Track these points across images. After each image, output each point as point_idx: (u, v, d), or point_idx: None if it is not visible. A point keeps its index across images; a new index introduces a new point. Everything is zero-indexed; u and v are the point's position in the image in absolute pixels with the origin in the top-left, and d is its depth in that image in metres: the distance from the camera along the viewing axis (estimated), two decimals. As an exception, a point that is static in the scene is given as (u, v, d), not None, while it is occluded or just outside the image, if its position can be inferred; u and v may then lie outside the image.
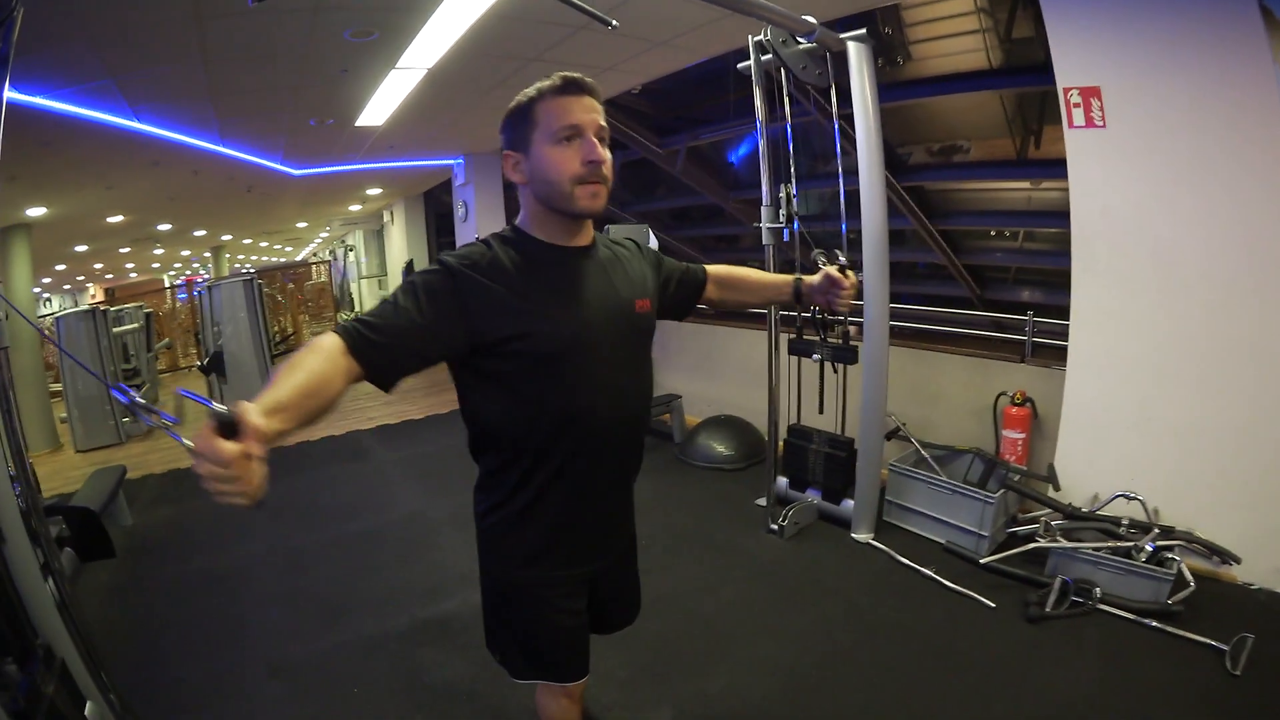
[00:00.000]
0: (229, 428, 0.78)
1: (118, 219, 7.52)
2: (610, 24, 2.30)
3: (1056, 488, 2.71)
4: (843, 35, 2.71)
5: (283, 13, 3.00)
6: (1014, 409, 2.97)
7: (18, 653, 1.78)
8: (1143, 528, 2.42)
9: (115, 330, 7.07)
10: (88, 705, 1.95)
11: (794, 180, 3.00)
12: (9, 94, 2.77)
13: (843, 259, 1.57)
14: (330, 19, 3.22)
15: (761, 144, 2.95)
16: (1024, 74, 3.15)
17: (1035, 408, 2.98)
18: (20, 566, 1.85)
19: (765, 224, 2.99)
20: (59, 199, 5.92)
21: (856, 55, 2.69)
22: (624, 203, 7.61)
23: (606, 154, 1.13)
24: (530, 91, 1.15)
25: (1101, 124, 2.47)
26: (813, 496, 3.20)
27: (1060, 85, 2.53)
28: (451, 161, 7.39)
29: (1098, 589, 2.29)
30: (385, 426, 5.87)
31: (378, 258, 12.80)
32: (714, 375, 4.83)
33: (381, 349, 1.03)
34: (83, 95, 3.44)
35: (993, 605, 2.38)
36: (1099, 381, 2.66)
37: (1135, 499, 2.50)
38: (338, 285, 14.92)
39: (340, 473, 4.73)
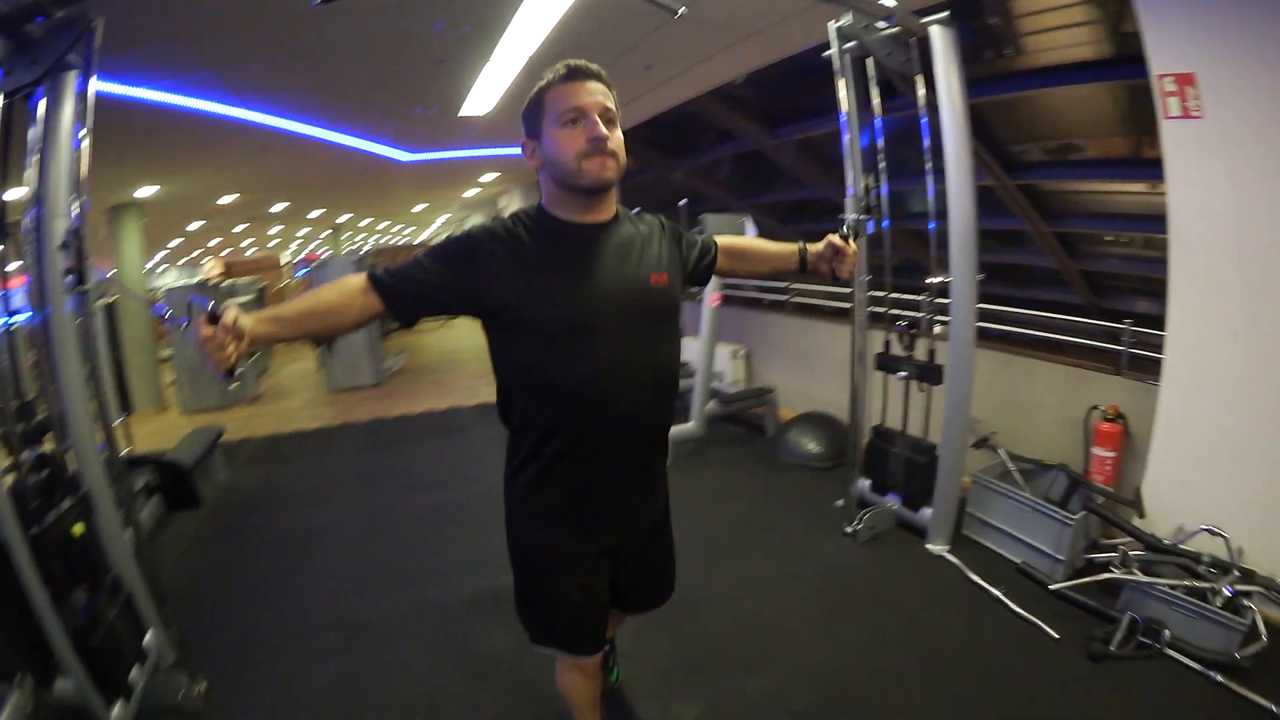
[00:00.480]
0: (214, 318, 1.03)
1: (231, 199, 8.18)
2: (677, 13, 2.32)
3: (1141, 514, 2.49)
4: (924, 19, 2.58)
5: (369, 11, 3.19)
6: (1105, 425, 2.76)
7: (89, 581, 2.02)
8: (1223, 568, 2.19)
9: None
10: (148, 633, 2.19)
11: (882, 173, 2.93)
12: (109, 87, 3.10)
13: (846, 225, 1.56)
14: (420, 14, 3.40)
15: (846, 136, 2.89)
16: (1133, 66, 2.94)
17: (1128, 424, 2.75)
18: (100, 508, 2.09)
19: (848, 216, 2.92)
20: (169, 180, 6.46)
21: (940, 40, 2.56)
22: (741, 194, 7.62)
23: (610, 132, 1.20)
24: (540, 82, 1.23)
25: (1199, 114, 2.22)
26: (893, 502, 3.10)
27: (1153, 72, 2.29)
28: None
29: (1167, 631, 2.09)
30: (488, 405, 6.08)
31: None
32: (812, 371, 4.75)
33: (395, 288, 1.21)
34: (185, 86, 3.75)
35: (1056, 636, 2.22)
36: (1193, 400, 2.41)
37: (1219, 535, 2.25)
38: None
39: (436, 446, 4.97)
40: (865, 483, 3.25)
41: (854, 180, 2.87)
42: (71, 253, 1.94)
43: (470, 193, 11.47)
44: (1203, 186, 2.30)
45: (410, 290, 1.22)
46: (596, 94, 1.20)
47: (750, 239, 1.63)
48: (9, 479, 1.88)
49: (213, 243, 14.15)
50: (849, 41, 2.76)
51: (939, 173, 2.73)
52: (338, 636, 2.54)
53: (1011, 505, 2.71)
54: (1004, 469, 2.92)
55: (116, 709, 1.94)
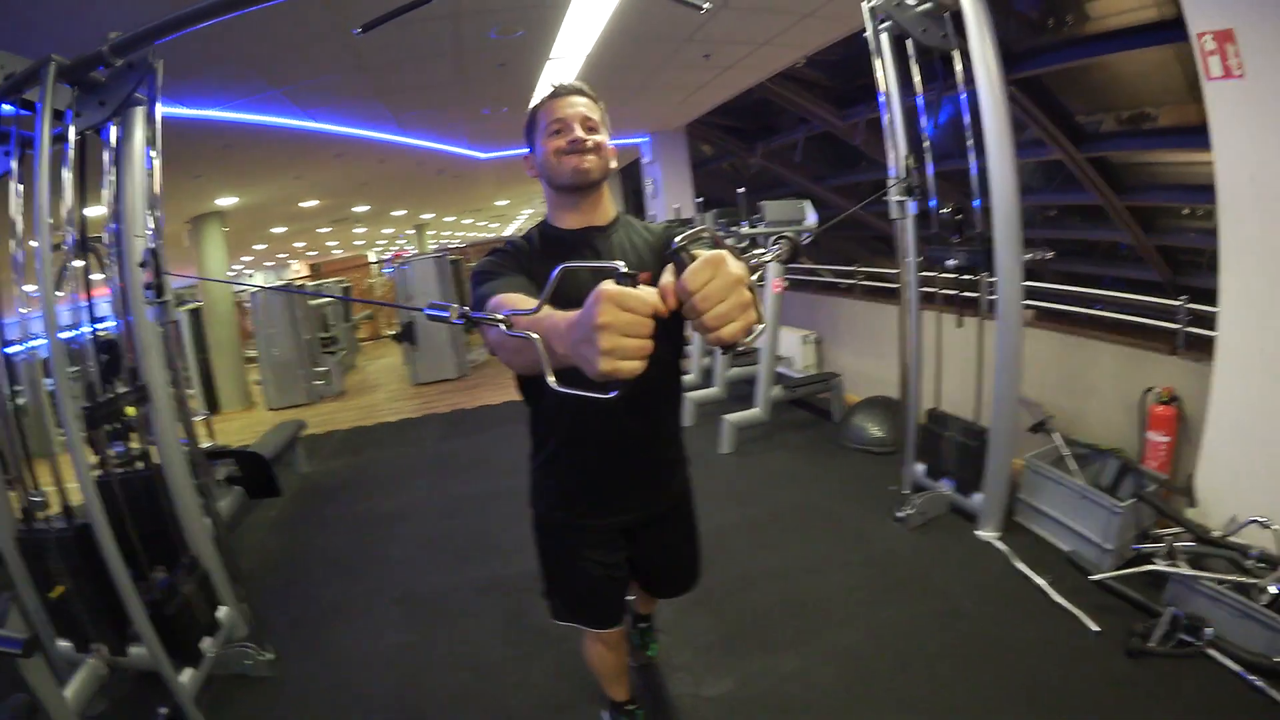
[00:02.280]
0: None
1: (312, 203, 8.74)
2: (702, 8, 2.38)
3: (1192, 503, 2.34)
4: None
5: (425, 20, 3.37)
6: (1159, 408, 2.59)
7: (167, 560, 2.26)
8: (1272, 563, 2.02)
9: (313, 302, 8.28)
10: (222, 608, 2.44)
11: (927, 153, 2.88)
12: (182, 110, 3.40)
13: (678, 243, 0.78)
14: (474, 22, 3.57)
15: (886, 116, 2.84)
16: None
17: (1183, 407, 2.58)
18: (180, 496, 2.34)
19: (892, 198, 2.89)
20: (248, 190, 6.96)
21: (974, 12, 2.47)
22: (817, 176, 7.55)
23: (589, 135, 1.33)
24: (533, 102, 1.38)
25: (1239, 74, 2.06)
26: (946, 487, 3.06)
27: (1192, 30, 2.14)
28: (639, 140, 7.81)
29: (1209, 629, 1.96)
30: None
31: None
32: (880, 355, 4.65)
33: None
34: (254, 104, 4.08)
35: (1096, 629, 2.14)
36: (1248, 381, 2.24)
37: (1269, 527, 2.08)
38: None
39: (514, 432, 5.16)
40: (920, 467, 3.20)
41: (896, 161, 2.83)
42: (150, 268, 2.18)
43: (551, 187, 11.80)
44: (1250, 150, 2.14)
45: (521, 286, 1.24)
46: (579, 106, 1.34)
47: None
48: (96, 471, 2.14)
49: (298, 244, 15.08)
50: (885, 21, 2.73)
51: (980, 149, 2.65)
52: (401, 611, 2.76)
53: (1061, 491, 2.61)
54: (1059, 454, 2.82)
55: (187, 675, 2.18)
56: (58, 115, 2.01)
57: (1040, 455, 2.84)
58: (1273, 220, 2.13)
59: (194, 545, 2.41)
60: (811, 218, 4.15)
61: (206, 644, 2.33)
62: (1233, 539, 2.16)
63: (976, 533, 2.82)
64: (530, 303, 0.87)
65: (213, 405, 7.36)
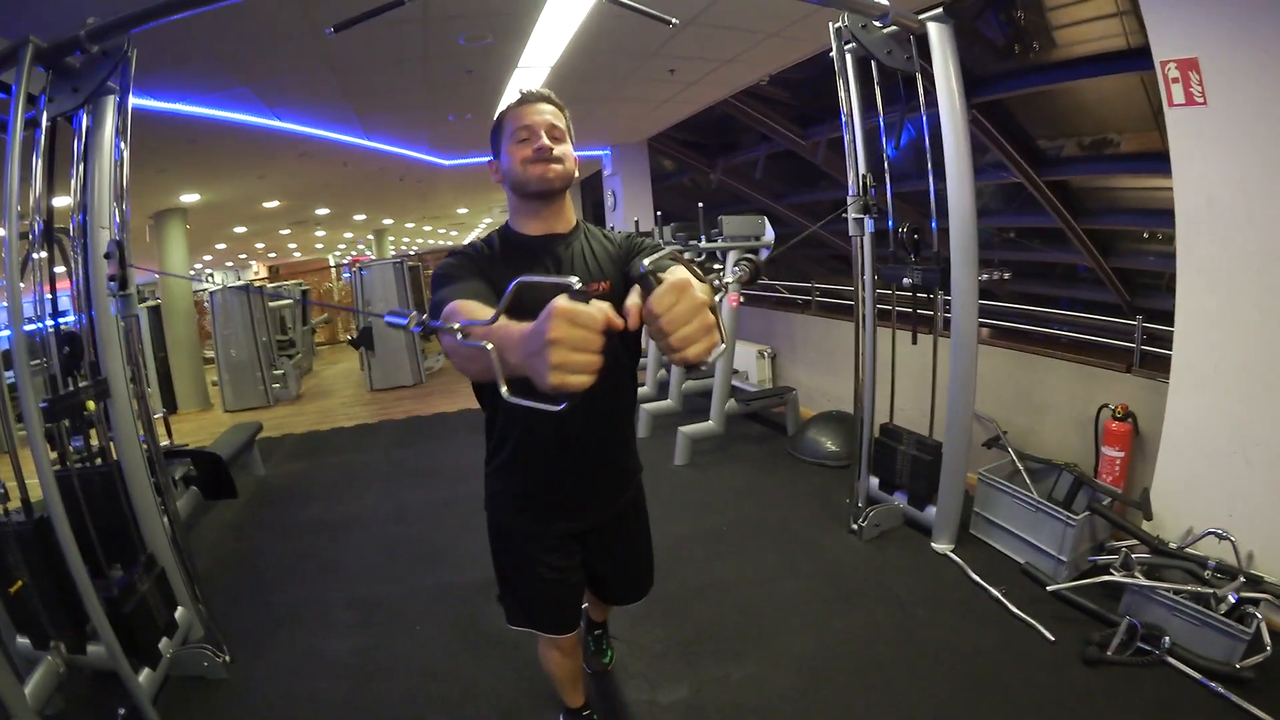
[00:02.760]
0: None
1: (274, 204, 8.65)
2: (670, 23, 2.45)
3: (1148, 516, 2.47)
4: (921, 15, 2.63)
5: (396, 23, 3.40)
6: (1115, 424, 2.75)
7: (125, 558, 2.26)
8: (1229, 573, 2.16)
9: (272, 305, 8.16)
10: (179, 609, 2.43)
11: (886, 173, 3.00)
12: (150, 102, 3.38)
13: (643, 267, 0.80)
14: (444, 27, 3.60)
15: (847, 136, 2.96)
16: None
17: (1137, 423, 2.73)
18: (138, 493, 2.33)
19: (850, 215, 3.00)
20: (211, 187, 6.89)
21: (938, 37, 2.60)
22: (778, 194, 7.67)
23: (554, 144, 1.36)
24: (501, 108, 1.41)
25: (1202, 100, 2.21)
26: (900, 500, 3.17)
27: (1156, 59, 2.29)
28: (601, 152, 7.89)
29: (1167, 638, 2.07)
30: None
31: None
32: (835, 370, 4.81)
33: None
34: (222, 100, 4.06)
35: (1052, 639, 2.23)
36: (1202, 397, 2.39)
37: (1227, 539, 2.22)
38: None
39: (468, 441, 5.18)
40: (874, 481, 3.30)
41: (854, 180, 2.95)
42: (114, 261, 2.17)
43: (513, 197, 11.83)
44: (1208, 175, 2.29)
45: (476, 291, 1.26)
46: (545, 114, 1.38)
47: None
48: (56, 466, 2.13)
49: (259, 245, 14.84)
50: (850, 43, 2.84)
51: (939, 171, 2.77)
52: (356, 615, 2.77)
53: (1016, 504, 2.73)
54: (1014, 468, 2.94)
55: (144, 675, 2.16)
56: (30, 100, 2.00)
57: (994, 470, 2.96)
58: (1228, 241, 2.27)
59: (152, 543, 2.39)
60: (769, 234, 4.26)
61: (164, 644, 2.31)
62: (1190, 550, 2.29)
63: (932, 545, 2.93)
64: (486, 311, 0.91)
65: (171, 404, 7.20)
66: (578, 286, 0.74)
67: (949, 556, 2.82)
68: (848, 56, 2.92)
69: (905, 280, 3.03)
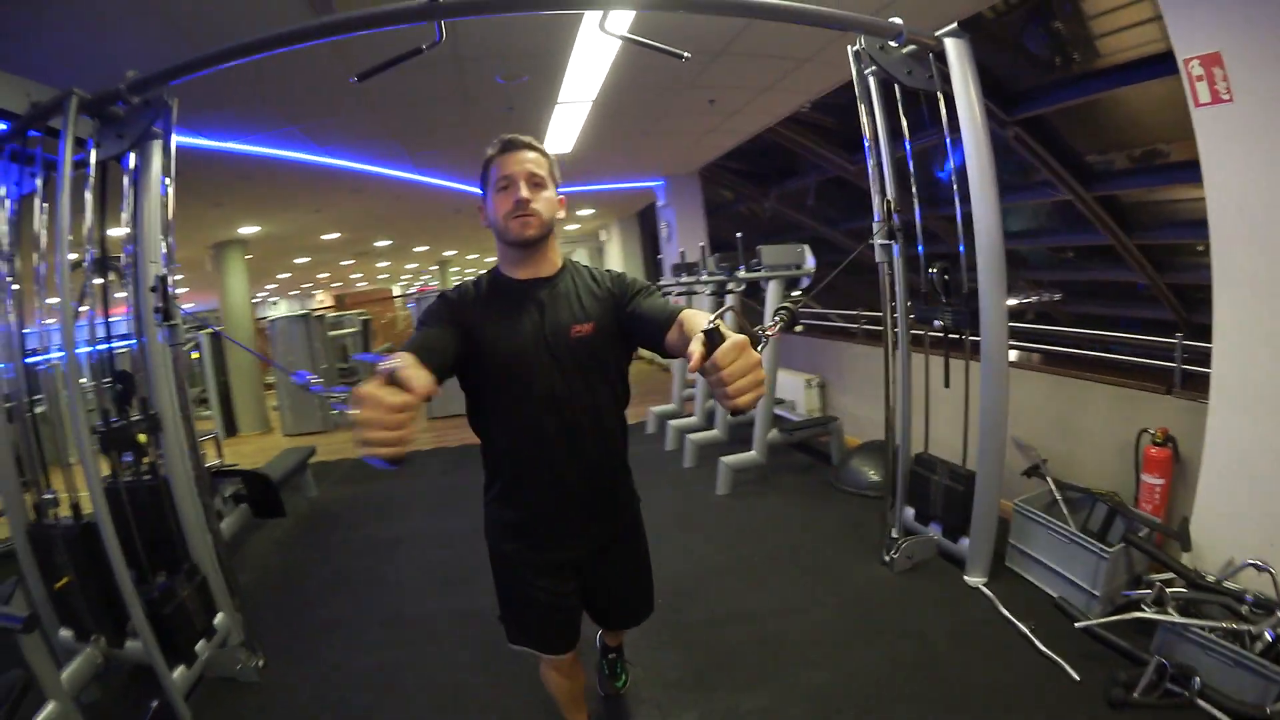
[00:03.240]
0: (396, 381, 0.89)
1: (333, 236, 9.12)
2: (683, 56, 2.52)
3: (1185, 547, 2.32)
4: (937, 32, 2.61)
5: (429, 65, 3.58)
6: (1154, 449, 2.59)
7: (169, 566, 2.44)
8: (1268, 608, 2.00)
9: (332, 333, 8.57)
10: (219, 616, 2.60)
11: (914, 196, 2.98)
12: (202, 141, 3.63)
13: (714, 316, 0.92)
14: (478, 67, 3.80)
15: (871, 160, 2.95)
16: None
17: (1178, 448, 2.57)
18: (183, 508, 2.50)
19: (876, 242, 2.98)
20: (269, 219, 7.32)
21: (956, 54, 2.58)
22: (829, 220, 7.63)
23: (535, 194, 1.43)
24: (487, 154, 1.47)
25: (1228, 97, 2.08)
26: (934, 531, 3.07)
27: (1179, 57, 2.18)
28: (653, 184, 8.02)
29: (1198, 678, 1.92)
30: None
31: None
32: (881, 399, 4.68)
33: (430, 355, 1.29)
34: (271, 139, 4.36)
35: (1077, 678, 2.11)
36: (1242, 419, 2.22)
37: (1266, 570, 2.05)
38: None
39: None
40: (909, 511, 3.22)
41: (878, 207, 2.93)
42: (159, 295, 2.36)
43: (571, 227, 12.15)
44: (1239, 178, 2.16)
45: (430, 359, 1.30)
46: (526, 163, 1.43)
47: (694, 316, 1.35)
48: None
49: (322, 275, 15.59)
50: (871, 66, 2.84)
51: (965, 192, 2.72)
52: (388, 633, 2.88)
53: (1050, 536, 2.61)
54: (1051, 498, 2.82)
55: (179, 672, 2.33)
56: (80, 143, 2.24)
57: (1031, 499, 2.85)
58: (1261, 248, 2.14)
59: (195, 555, 2.57)
60: (809, 263, 4.24)
61: (201, 646, 2.48)
62: (1228, 583, 2.15)
63: (964, 578, 2.82)
64: (417, 369, 0.99)
65: (231, 428, 7.61)
66: (389, 362, 0.95)
67: (980, 590, 2.71)
68: (870, 80, 2.91)
69: (936, 321, 2.99)
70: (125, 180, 2.44)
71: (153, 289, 2.41)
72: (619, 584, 1.76)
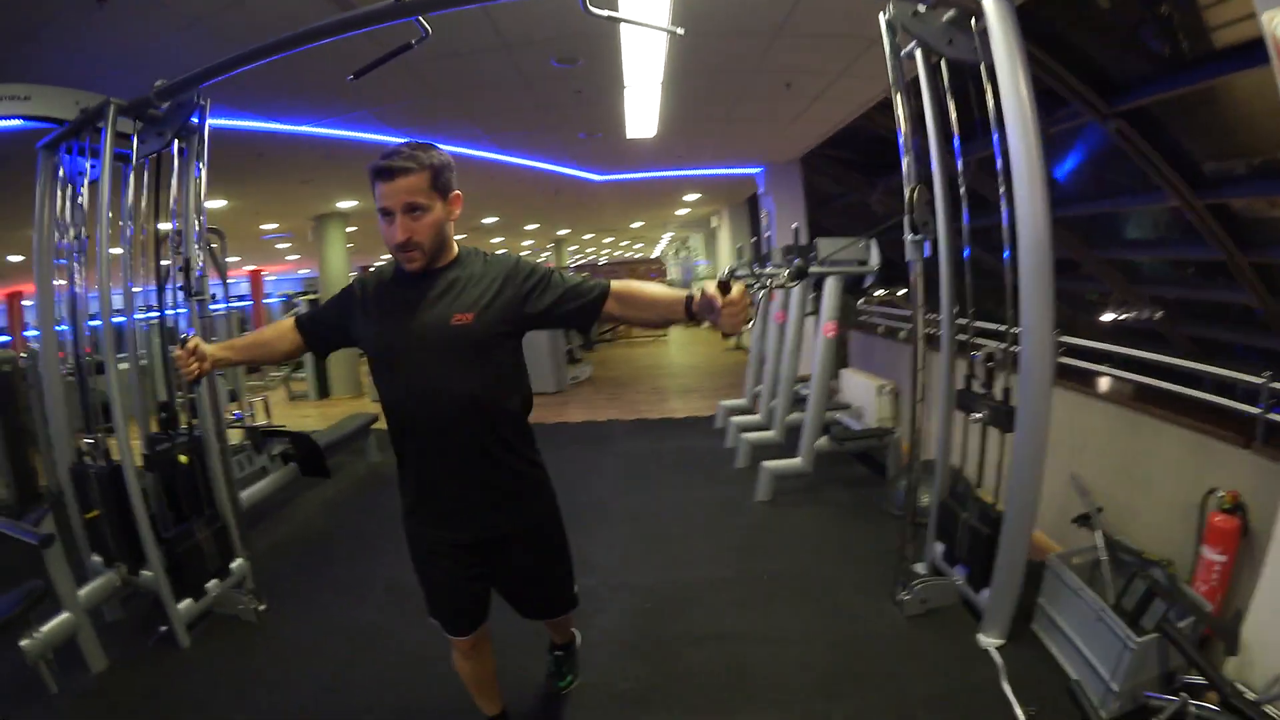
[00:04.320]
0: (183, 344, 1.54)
1: None
2: (677, 32, 2.34)
3: (1230, 649, 1.82)
4: None
5: (477, 52, 3.62)
6: (1220, 517, 2.06)
7: (191, 512, 2.75)
8: None
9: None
10: (237, 561, 2.91)
11: (962, 187, 2.60)
12: (277, 126, 3.84)
13: (727, 271, 1.44)
14: (529, 52, 3.78)
15: (906, 160, 2.59)
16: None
17: (1248, 519, 2.02)
18: (212, 464, 2.83)
19: (908, 239, 2.63)
20: (363, 195, 7.69)
21: (996, 14, 2.16)
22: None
23: (414, 224, 1.44)
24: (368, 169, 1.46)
25: None
26: (959, 575, 2.71)
27: (1259, 10, 1.67)
28: (753, 171, 7.90)
29: None
30: (645, 420, 6.48)
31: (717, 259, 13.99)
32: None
33: (308, 328, 1.71)
34: (345, 122, 4.62)
35: None
36: None
37: None
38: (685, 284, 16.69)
39: (575, 453, 5.42)
40: (939, 548, 2.86)
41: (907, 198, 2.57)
42: (184, 272, 2.65)
43: (681, 211, 12.09)
44: None
45: (319, 330, 1.71)
46: (399, 192, 1.41)
47: (646, 285, 1.57)
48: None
49: None
50: (914, 43, 2.49)
51: (1010, 189, 2.31)
52: (390, 596, 3.04)
53: (1079, 605, 2.19)
54: (1097, 556, 2.37)
55: (185, 603, 2.65)
56: (125, 137, 2.57)
57: (1074, 554, 2.42)
58: None
59: (219, 505, 2.87)
60: (875, 259, 3.85)
61: (213, 585, 2.78)
62: (1270, 709, 1.68)
63: (978, 635, 2.45)
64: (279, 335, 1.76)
65: (324, 391, 8.29)
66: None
67: (990, 653, 2.34)
68: (918, 55, 2.56)
69: (975, 416, 2.64)
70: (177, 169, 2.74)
71: (182, 267, 2.62)
72: (524, 576, 1.79)
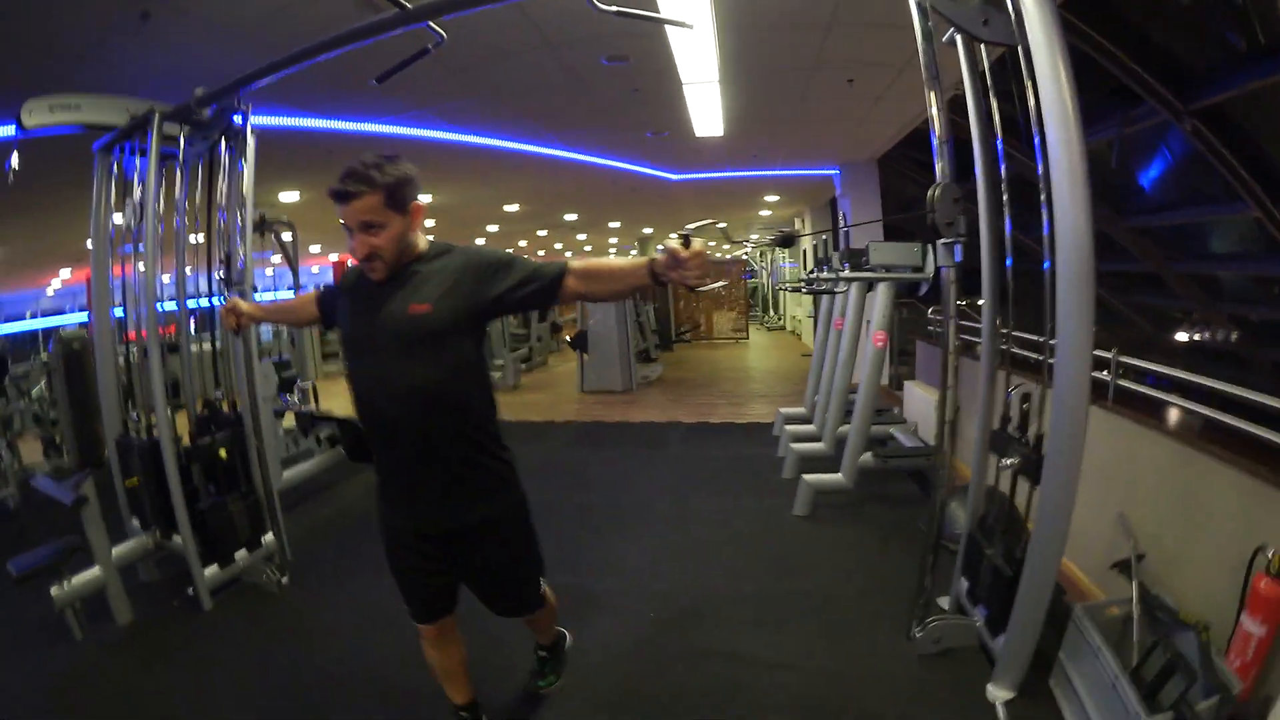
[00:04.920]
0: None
1: (513, 208, 9.75)
2: (688, 25, 2.25)
3: None
4: None
5: (521, 52, 3.65)
6: (1265, 582, 1.73)
7: (230, 484, 2.97)
8: None
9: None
10: (268, 534, 3.10)
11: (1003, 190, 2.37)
12: (339, 124, 4.04)
13: (686, 230, 1.42)
14: (576, 51, 3.78)
15: (939, 164, 2.37)
16: None
17: None
18: (248, 437, 3.04)
19: (940, 243, 2.42)
20: (437, 191, 7.97)
21: None
22: (1022, 226, 6.72)
23: (372, 239, 1.51)
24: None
25: None
26: (980, 617, 2.48)
27: None
28: (830, 172, 7.73)
29: None
30: (706, 424, 6.42)
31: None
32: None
33: (321, 302, 1.87)
34: (406, 120, 4.80)
35: None
36: None
37: None
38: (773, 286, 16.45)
39: (633, 452, 5.46)
40: (965, 584, 2.62)
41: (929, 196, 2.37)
42: (224, 266, 2.87)
43: (764, 213, 11.90)
44: None
45: (325, 307, 1.85)
46: (355, 213, 1.48)
47: (606, 260, 1.63)
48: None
49: (522, 244, 16.95)
50: (948, 28, 2.28)
51: (1049, 189, 2.06)
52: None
53: (1096, 667, 1.93)
54: (1128, 611, 2.08)
55: (211, 569, 2.87)
56: (174, 139, 2.83)
57: (1108, 605, 2.15)
58: None
59: (255, 480, 3.08)
60: (930, 265, 3.59)
61: (242, 555, 2.99)
62: None
63: (988, 687, 2.22)
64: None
65: None
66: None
67: (996, 708, 2.11)
68: (958, 41, 2.35)
69: (1005, 462, 2.42)
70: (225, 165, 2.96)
71: (222, 261, 2.82)
72: (483, 572, 1.80)
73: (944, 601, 2.74)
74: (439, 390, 1.53)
